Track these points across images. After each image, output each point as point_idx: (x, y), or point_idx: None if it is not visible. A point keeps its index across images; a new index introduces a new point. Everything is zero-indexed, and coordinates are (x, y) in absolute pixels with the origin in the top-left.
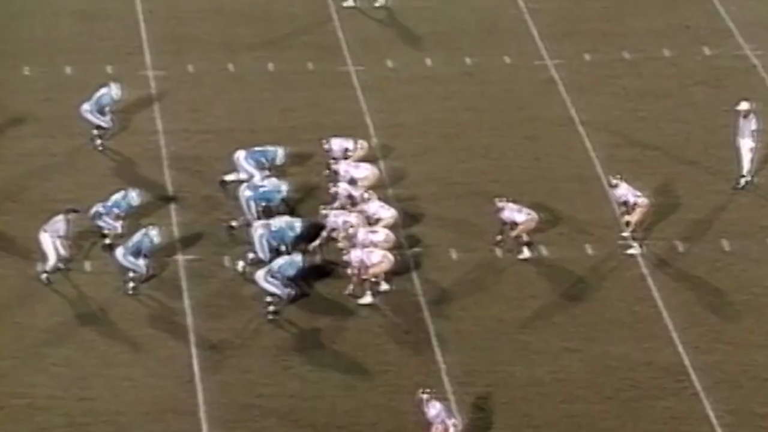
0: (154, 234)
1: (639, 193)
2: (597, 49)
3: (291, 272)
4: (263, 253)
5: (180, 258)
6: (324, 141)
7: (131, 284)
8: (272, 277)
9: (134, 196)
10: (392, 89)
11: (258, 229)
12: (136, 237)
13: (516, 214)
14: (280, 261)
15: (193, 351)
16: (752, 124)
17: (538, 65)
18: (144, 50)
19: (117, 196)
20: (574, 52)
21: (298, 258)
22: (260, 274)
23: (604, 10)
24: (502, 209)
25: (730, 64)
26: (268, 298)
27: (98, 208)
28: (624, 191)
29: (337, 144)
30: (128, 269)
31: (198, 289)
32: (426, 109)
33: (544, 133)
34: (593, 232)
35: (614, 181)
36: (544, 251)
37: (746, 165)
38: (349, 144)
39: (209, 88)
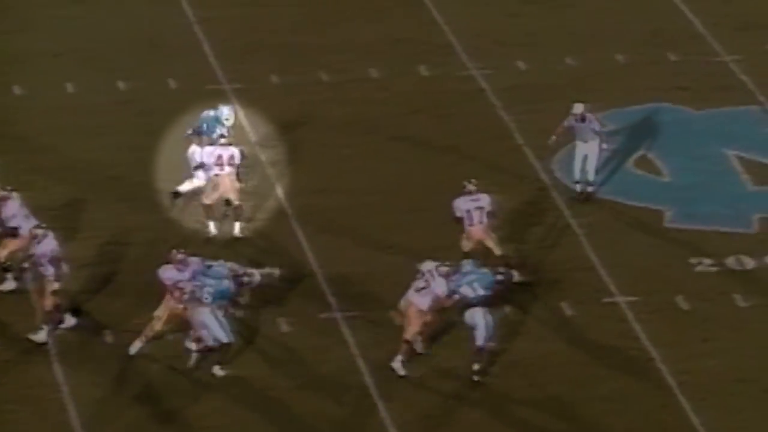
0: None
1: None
2: (286, 69)
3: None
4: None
5: None
6: None
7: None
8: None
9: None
10: (22, 123)
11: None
12: None
13: None
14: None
15: None
16: (594, 125)
17: (211, 90)
18: None
19: None
20: (257, 73)
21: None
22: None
23: (295, 20)
24: None
25: (453, 87)
26: None
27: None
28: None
29: None
30: None
31: None
32: (72, 149)
33: None
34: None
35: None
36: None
37: (592, 172)
38: None
39: None
